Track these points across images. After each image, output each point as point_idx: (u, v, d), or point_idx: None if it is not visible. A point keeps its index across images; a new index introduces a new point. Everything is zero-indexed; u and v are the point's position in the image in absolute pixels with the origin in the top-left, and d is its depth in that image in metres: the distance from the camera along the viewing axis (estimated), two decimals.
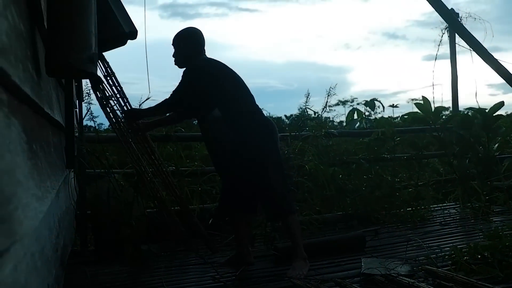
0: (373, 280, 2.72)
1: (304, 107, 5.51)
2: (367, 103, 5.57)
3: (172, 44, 3.35)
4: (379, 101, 5.60)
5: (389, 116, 5.44)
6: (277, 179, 3.11)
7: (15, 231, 1.05)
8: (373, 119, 6.78)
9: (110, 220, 3.50)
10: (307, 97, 5.29)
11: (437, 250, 3.36)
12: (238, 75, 3.26)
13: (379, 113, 5.66)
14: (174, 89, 3.31)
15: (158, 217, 3.76)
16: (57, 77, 2.40)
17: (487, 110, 4.91)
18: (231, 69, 3.27)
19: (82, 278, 3.03)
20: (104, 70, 3.58)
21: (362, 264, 3.02)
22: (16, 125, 1.20)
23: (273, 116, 12.55)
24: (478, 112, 5.00)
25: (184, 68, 3.28)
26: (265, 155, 3.13)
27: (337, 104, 17.54)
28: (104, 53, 3.56)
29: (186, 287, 2.84)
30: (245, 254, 3.32)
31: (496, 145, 5.45)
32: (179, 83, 3.28)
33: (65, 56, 1.66)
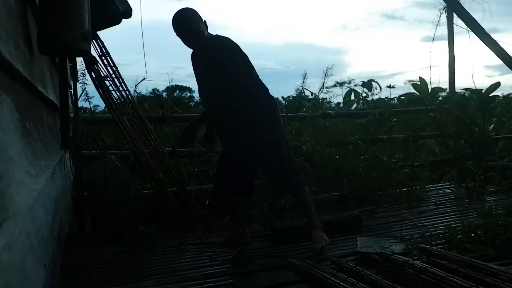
0: (368, 259, 2.74)
1: (301, 88, 5.50)
2: (364, 84, 5.54)
3: (184, 25, 3.06)
4: (376, 82, 5.58)
5: (386, 97, 5.43)
6: (289, 153, 3.27)
7: (8, 207, 1.06)
8: (370, 100, 6.75)
9: (107, 202, 3.50)
10: (304, 78, 5.28)
11: (432, 229, 3.38)
12: None
13: (376, 94, 5.63)
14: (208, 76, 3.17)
15: (155, 198, 3.78)
16: (50, 55, 2.38)
17: (483, 91, 4.90)
18: None
19: (80, 259, 3.04)
20: (98, 50, 3.56)
21: (358, 243, 3.04)
22: (8, 102, 1.19)
23: None
24: (475, 93, 4.99)
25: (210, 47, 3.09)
26: (278, 130, 3.21)
27: (334, 86, 17.44)
28: (98, 33, 3.54)
29: (184, 266, 2.86)
30: (241, 234, 3.34)
31: (492, 125, 5.45)
32: (234, 64, 3.07)
33: (58, 33, 1.64)
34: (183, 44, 3.13)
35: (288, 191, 3.38)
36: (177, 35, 3.10)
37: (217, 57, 3.05)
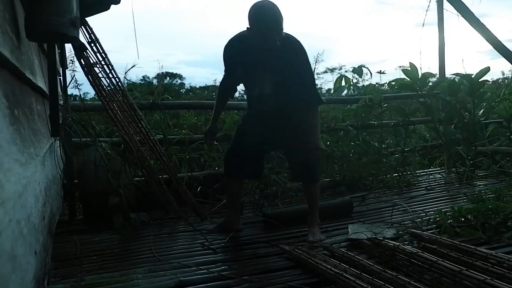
0: (360, 244, 2.76)
1: None
2: (354, 70, 5.55)
3: (268, 22, 2.90)
4: (367, 68, 5.59)
5: (376, 83, 5.43)
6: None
7: None
8: (361, 86, 6.76)
9: (98, 189, 3.49)
10: None
11: (422, 214, 3.41)
12: None
13: (367, 80, 5.63)
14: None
15: (146, 185, 3.77)
16: (38, 41, 2.35)
17: (473, 76, 4.92)
18: None
19: (71, 247, 3.04)
20: (87, 36, 3.53)
21: (349, 229, 3.06)
22: None
23: None
24: (464, 78, 5.01)
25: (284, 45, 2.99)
26: (317, 133, 3.24)
27: (325, 72, 17.41)
28: (87, 19, 3.50)
29: (176, 253, 2.86)
30: (234, 221, 3.34)
31: (482, 110, 5.49)
32: (305, 66, 3.10)
33: (46, 19, 1.62)
34: (256, 35, 2.94)
35: (306, 180, 3.36)
36: (258, 25, 2.91)
37: (292, 56, 3.02)
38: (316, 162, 3.28)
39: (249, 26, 2.95)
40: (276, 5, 2.91)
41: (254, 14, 2.92)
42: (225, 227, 3.31)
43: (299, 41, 3.08)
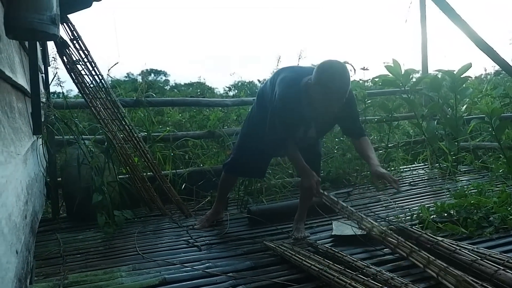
0: (344, 240, 2.79)
1: (275, 71, 5.47)
2: None
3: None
4: (351, 64, 5.57)
5: (360, 79, 5.42)
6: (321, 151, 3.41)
7: None
8: None
9: (81, 187, 3.47)
10: (278, 61, 5.25)
11: (406, 210, 3.44)
12: None
13: (351, 76, 5.62)
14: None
15: (130, 183, 3.75)
16: (17, 38, 2.32)
17: (455, 72, 4.96)
18: None
19: (55, 245, 3.02)
20: (70, 34, 3.50)
21: (333, 226, 3.07)
22: None
23: (246, 81, 12.48)
24: (446, 74, 5.05)
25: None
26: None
27: None
28: (69, 16, 3.47)
29: (160, 251, 2.85)
30: (220, 211, 3.51)
31: (464, 106, 5.54)
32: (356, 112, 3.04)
33: (24, 17, 1.60)
34: (319, 95, 2.63)
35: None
36: (325, 90, 2.58)
37: (348, 110, 2.85)
38: (318, 162, 3.34)
39: (313, 82, 2.64)
40: (346, 69, 2.61)
41: (323, 74, 2.60)
42: (214, 219, 3.45)
43: (351, 91, 2.87)
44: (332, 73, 2.57)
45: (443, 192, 4.02)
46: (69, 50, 3.52)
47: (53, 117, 3.58)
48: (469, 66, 4.92)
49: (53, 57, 3.70)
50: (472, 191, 3.52)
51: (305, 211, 3.21)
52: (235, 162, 3.31)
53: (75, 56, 3.55)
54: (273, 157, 3.72)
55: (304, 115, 2.81)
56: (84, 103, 3.67)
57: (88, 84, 3.59)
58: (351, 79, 2.73)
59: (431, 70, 5.73)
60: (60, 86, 3.76)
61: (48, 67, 3.92)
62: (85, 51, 3.57)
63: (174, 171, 4.24)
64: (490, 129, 4.66)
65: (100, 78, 3.66)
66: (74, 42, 3.54)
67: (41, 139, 3.43)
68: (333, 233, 2.94)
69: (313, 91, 2.65)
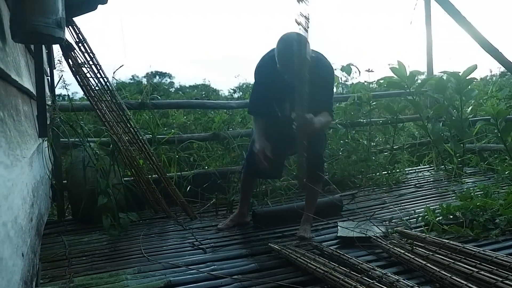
0: (348, 243, 2.78)
1: None
2: (343, 68, 5.52)
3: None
4: (356, 66, 5.57)
5: (365, 81, 5.42)
6: (324, 152, 3.46)
7: None
8: (349, 84, 6.77)
9: (87, 189, 3.48)
10: None
11: (411, 212, 3.43)
12: None
13: (356, 78, 5.61)
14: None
15: (136, 185, 3.76)
16: (23, 42, 2.34)
17: (460, 74, 4.95)
18: None
19: (60, 248, 3.02)
20: (75, 36, 3.51)
21: (338, 228, 3.07)
22: None
23: (250, 83, 12.50)
24: (452, 75, 5.03)
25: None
26: (324, 143, 3.43)
27: None
28: (75, 19, 3.48)
29: (165, 253, 2.85)
30: (245, 214, 3.49)
31: (469, 108, 5.53)
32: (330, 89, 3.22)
33: (31, 20, 1.61)
34: (280, 66, 2.92)
35: (312, 181, 3.35)
36: (280, 58, 2.89)
37: (321, 81, 2.97)
38: (321, 163, 3.32)
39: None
40: (301, 38, 2.74)
41: (279, 42, 2.91)
42: (238, 221, 3.44)
43: (330, 65, 3.11)
44: (285, 39, 2.86)
45: (449, 194, 4.01)
46: (75, 53, 3.54)
47: (58, 119, 3.60)
48: (474, 68, 4.91)
49: (58, 60, 3.72)
50: (478, 193, 3.51)
51: (312, 211, 3.20)
52: (251, 164, 3.31)
53: (81, 59, 3.56)
54: (288, 155, 3.74)
55: (274, 80, 3.03)
56: (90, 105, 3.68)
57: (93, 87, 3.61)
58: (333, 66, 3.17)
59: (436, 71, 5.72)
60: (66, 88, 3.78)
61: (54, 70, 3.94)
62: (90, 54, 3.59)
63: (179, 173, 4.25)
64: (495, 131, 4.64)
65: (105, 80, 3.67)
66: (80, 45, 3.55)
67: (46, 142, 3.45)
68: (338, 235, 2.93)
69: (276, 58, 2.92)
